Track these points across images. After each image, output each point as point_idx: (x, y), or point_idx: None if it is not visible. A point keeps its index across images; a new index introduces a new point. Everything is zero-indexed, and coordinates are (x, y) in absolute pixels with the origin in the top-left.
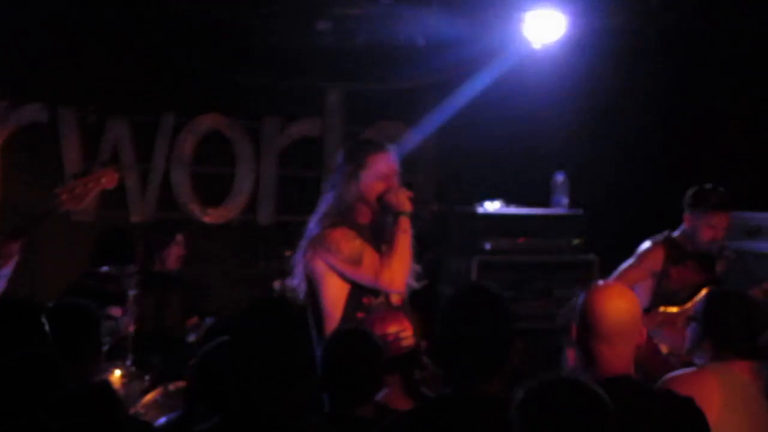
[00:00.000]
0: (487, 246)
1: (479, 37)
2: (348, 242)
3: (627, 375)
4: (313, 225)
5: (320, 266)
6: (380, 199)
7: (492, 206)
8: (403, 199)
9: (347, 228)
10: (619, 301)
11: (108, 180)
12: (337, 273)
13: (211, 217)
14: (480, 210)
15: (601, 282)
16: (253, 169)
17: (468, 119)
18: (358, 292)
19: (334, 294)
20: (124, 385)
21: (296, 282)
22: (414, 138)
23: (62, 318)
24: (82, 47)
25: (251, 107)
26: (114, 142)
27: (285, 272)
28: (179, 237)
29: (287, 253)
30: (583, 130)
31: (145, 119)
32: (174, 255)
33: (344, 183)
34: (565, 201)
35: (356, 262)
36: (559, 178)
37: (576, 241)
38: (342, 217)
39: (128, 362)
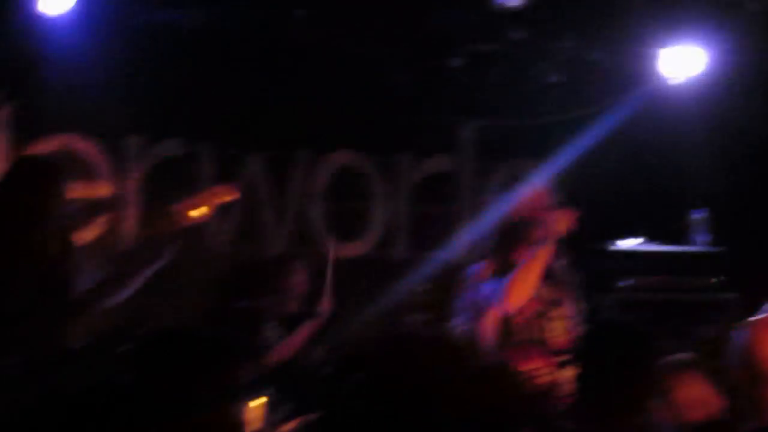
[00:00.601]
0: (622, 284)
1: (614, 72)
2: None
3: None
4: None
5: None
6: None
7: (626, 244)
8: (560, 225)
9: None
10: None
11: (226, 192)
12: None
13: (345, 252)
14: (614, 247)
15: (756, 319)
16: (386, 204)
17: (602, 154)
18: (505, 328)
19: (486, 329)
20: (263, 414)
21: (460, 321)
22: (546, 174)
23: (204, 348)
24: (219, 83)
25: (385, 143)
26: (250, 178)
27: (417, 307)
28: (298, 264)
29: (420, 288)
30: (725, 165)
31: (281, 155)
32: (300, 282)
33: (495, 219)
34: (705, 238)
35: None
36: (698, 215)
37: (714, 280)
38: (492, 254)
39: (269, 392)
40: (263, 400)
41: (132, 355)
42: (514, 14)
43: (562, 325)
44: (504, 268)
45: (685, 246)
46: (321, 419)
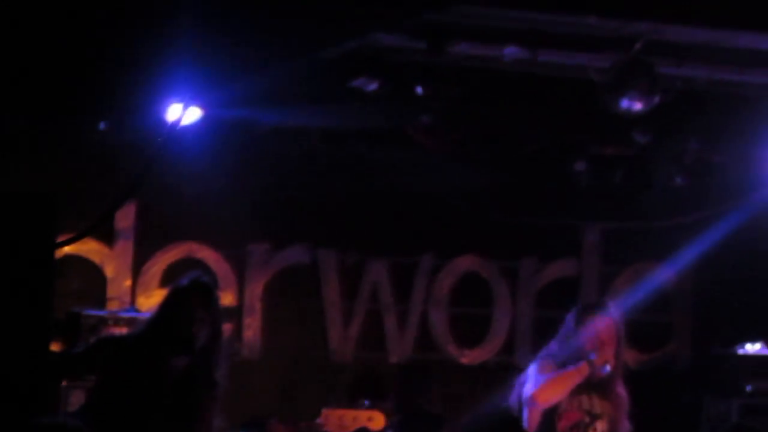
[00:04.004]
0: (749, 388)
1: (736, 175)
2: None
3: None
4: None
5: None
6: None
7: (752, 348)
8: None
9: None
10: None
11: (375, 422)
12: None
13: (468, 358)
14: (741, 351)
15: None
16: (509, 309)
17: (727, 255)
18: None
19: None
20: None
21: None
22: (670, 276)
23: None
24: (341, 190)
25: (508, 247)
26: (373, 283)
27: None
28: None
29: None
30: None
31: (404, 260)
32: (435, 397)
33: (564, 338)
34: None
35: None
36: None
37: None
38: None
39: None
40: None
41: None
42: (639, 118)
43: None
44: None
45: None
46: None
